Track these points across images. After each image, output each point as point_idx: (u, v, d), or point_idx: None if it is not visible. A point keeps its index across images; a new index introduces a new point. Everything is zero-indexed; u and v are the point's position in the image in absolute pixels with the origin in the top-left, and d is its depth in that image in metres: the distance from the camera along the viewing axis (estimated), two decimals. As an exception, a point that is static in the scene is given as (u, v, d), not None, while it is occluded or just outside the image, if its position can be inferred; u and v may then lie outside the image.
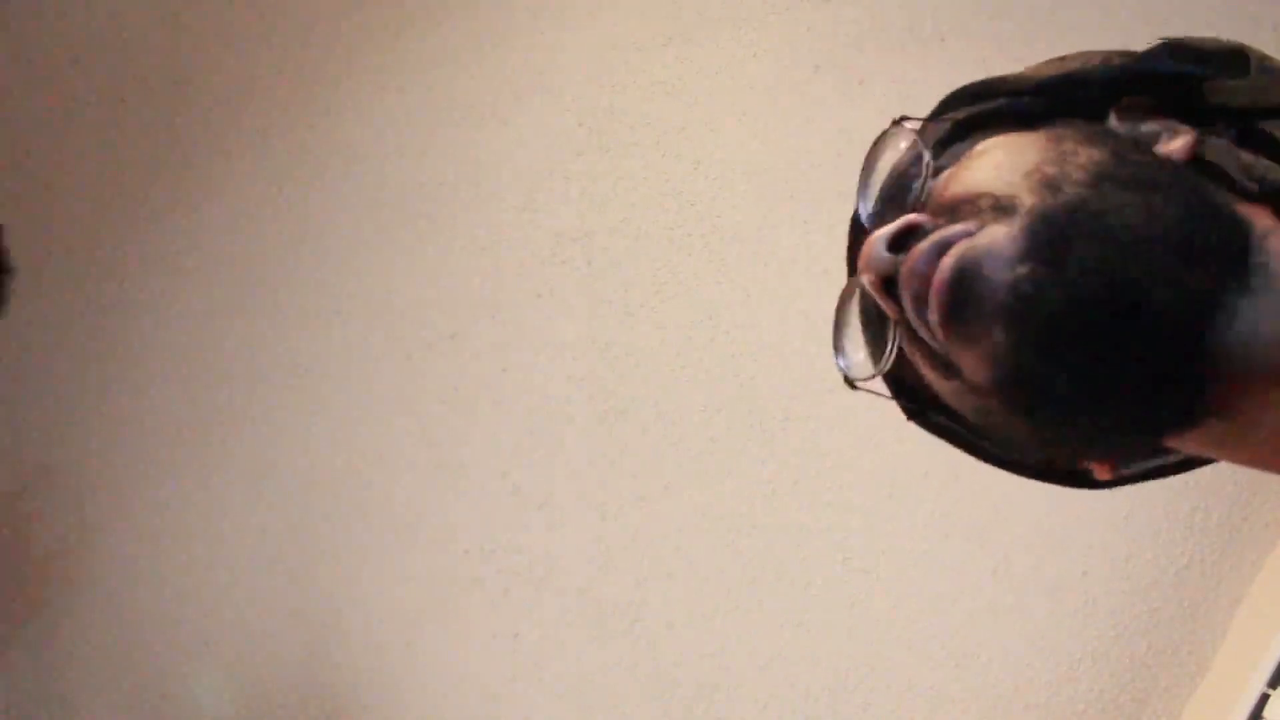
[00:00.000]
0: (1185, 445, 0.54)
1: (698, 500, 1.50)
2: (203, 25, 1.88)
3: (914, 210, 0.61)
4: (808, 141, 1.59)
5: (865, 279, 0.60)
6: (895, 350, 0.62)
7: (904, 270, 0.57)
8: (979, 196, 0.56)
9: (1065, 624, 1.39)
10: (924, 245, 0.56)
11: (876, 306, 0.62)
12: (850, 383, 0.67)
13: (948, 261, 0.53)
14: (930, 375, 0.61)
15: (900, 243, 0.58)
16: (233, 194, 1.81)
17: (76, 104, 1.89)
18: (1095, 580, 1.41)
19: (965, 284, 0.53)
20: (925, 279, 0.55)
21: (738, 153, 1.63)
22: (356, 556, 1.60)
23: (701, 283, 1.60)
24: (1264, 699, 1.26)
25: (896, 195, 0.66)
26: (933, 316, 0.54)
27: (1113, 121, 0.60)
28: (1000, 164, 0.57)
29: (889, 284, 0.58)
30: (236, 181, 1.81)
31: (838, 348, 0.67)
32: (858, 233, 0.70)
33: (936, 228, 0.57)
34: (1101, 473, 0.64)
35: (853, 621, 1.42)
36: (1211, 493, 1.42)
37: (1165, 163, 0.55)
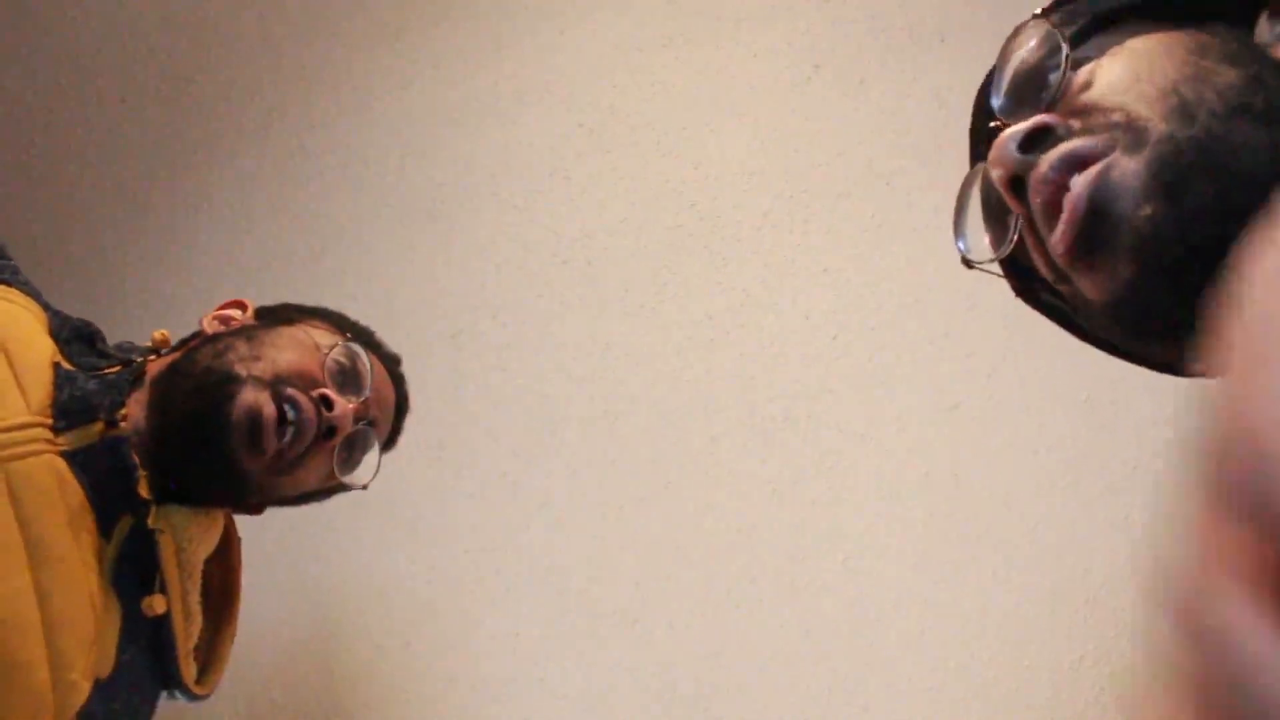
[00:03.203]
0: None
1: (698, 500, 1.50)
2: (203, 25, 1.88)
3: (1047, 106, 0.61)
4: (808, 141, 1.59)
5: (994, 174, 0.61)
6: (1015, 240, 0.64)
7: (1034, 176, 0.58)
8: (1113, 110, 0.56)
9: (1066, 624, 1.39)
10: (1054, 156, 0.57)
11: (999, 195, 0.64)
12: (968, 263, 0.70)
13: (1079, 194, 0.55)
14: (1043, 268, 0.63)
15: (1031, 142, 0.59)
16: (233, 194, 1.81)
17: (77, 104, 1.89)
18: (1095, 580, 1.40)
19: (1092, 220, 0.54)
20: (1054, 187, 0.57)
21: (738, 153, 1.63)
22: (356, 556, 1.60)
23: (701, 283, 1.60)
24: (1264, 699, 1.26)
25: (1030, 87, 0.65)
26: (1058, 245, 0.56)
27: (1262, 24, 0.59)
28: (1139, 74, 0.57)
29: (1016, 181, 0.60)
30: (236, 181, 1.81)
31: (958, 230, 0.70)
32: (983, 116, 0.71)
33: (1070, 133, 0.58)
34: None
35: (852, 621, 1.42)
36: (1211, 493, 1.42)
37: None
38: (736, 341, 1.56)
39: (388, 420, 1.18)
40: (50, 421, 0.94)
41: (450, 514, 1.59)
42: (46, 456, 0.92)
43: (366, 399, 1.08)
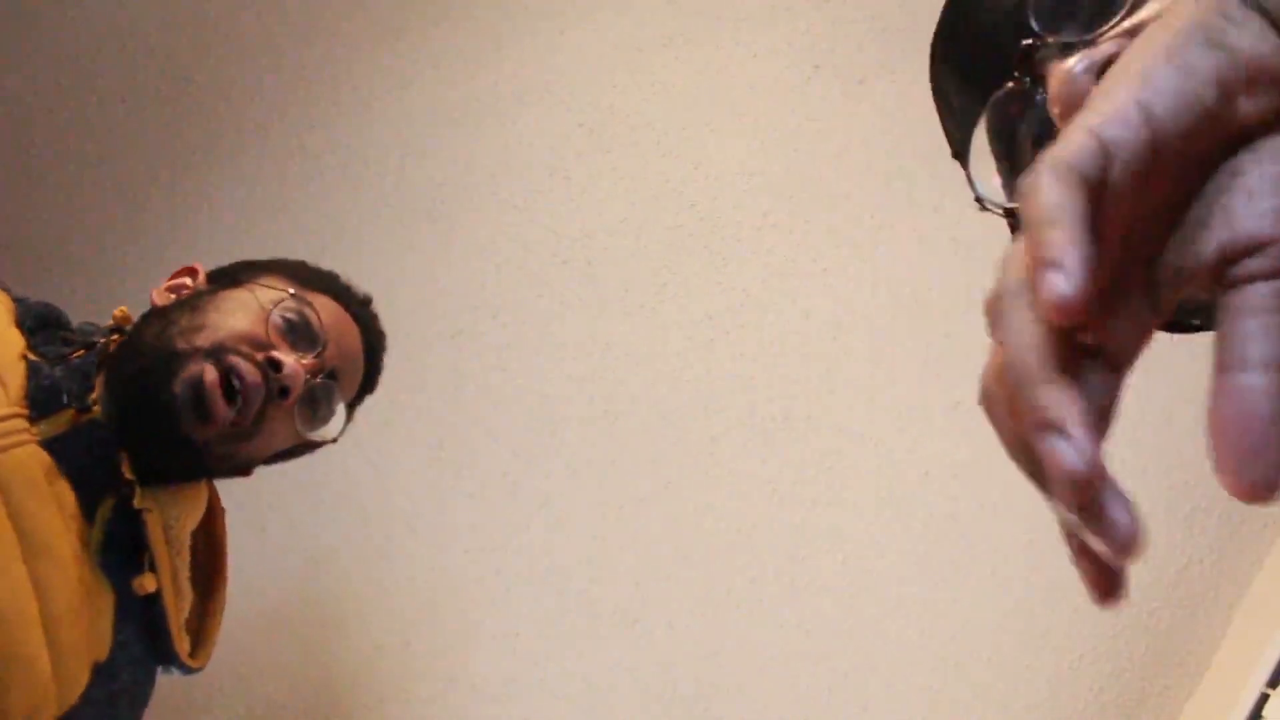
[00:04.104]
0: None
1: (698, 500, 1.50)
2: (203, 25, 1.88)
3: (1106, 20, 0.54)
4: (808, 141, 1.59)
5: (1055, 110, 0.53)
6: None
7: None
8: None
9: (1065, 624, 1.39)
10: None
11: (1010, 134, 0.59)
12: (981, 203, 0.63)
13: None
14: None
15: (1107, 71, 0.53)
16: (233, 194, 1.81)
17: (77, 104, 1.89)
18: (1095, 580, 1.41)
19: None
20: None
21: (738, 153, 1.63)
22: (356, 556, 1.60)
23: (701, 283, 1.60)
24: (1264, 699, 1.26)
25: (1086, 4, 0.57)
26: None
27: None
28: None
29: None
30: (237, 181, 1.81)
31: (967, 163, 0.63)
32: (1004, 26, 0.62)
33: None
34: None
35: (852, 621, 1.42)
36: (1211, 492, 1.42)
37: None
38: (736, 341, 1.56)
39: (354, 367, 1.13)
40: (26, 412, 0.94)
41: (450, 514, 1.59)
42: (30, 447, 0.92)
43: (322, 352, 1.05)
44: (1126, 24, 0.53)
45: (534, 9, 1.76)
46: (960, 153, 0.71)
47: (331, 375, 1.07)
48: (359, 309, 1.16)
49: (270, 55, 1.84)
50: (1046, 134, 0.58)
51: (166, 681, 1.58)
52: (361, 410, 1.65)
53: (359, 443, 1.65)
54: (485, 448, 1.60)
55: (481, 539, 1.56)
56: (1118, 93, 0.33)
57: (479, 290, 1.67)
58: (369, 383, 1.19)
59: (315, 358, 1.04)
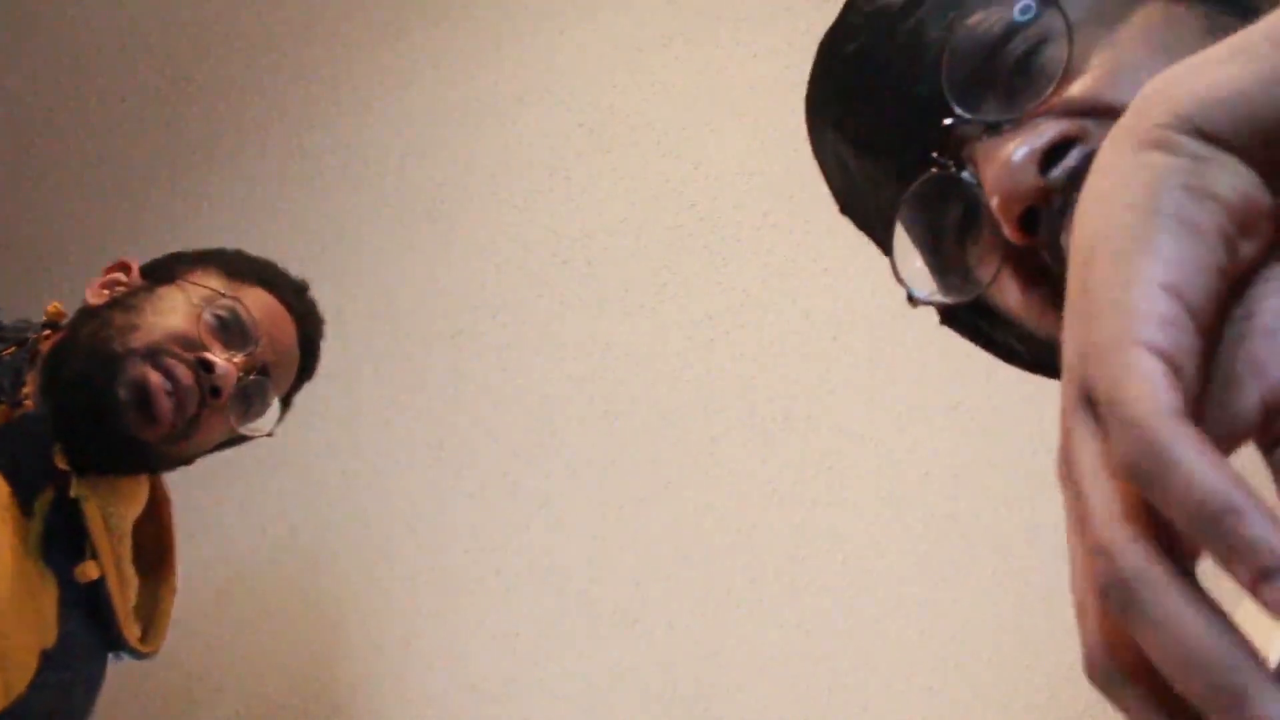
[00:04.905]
0: None
1: (698, 500, 1.50)
2: (203, 25, 1.88)
3: (1036, 96, 0.48)
4: (808, 142, 1.59)
5: (995, 201, 0.48)
6: (995, 278, 0.52)
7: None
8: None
9: (1065, 624, 1.39)
10: None
11: (933, 221, 0.53)
12: (913, 301, 0.58)
13: None
14: (1029, 306, 0.52)
15: (1051, 159, 0.47)
16: (233, 194, 1.81)
17: (77, 104, 1.89)
18: (1095, 580, 1.41)
19: None
20: None
21: (738, 153, 1.63)
22: (356, 556, 1.60)
23: (701, 283, 1.60)
24: (1264, 699, 1.26)
25: (1001, 71, 0.51)
26: None
27: None
28: (1156, 57, 0.46)
29: (1029, 212, 0.48)
30: (237, 181, 1.81)
31: (895, 260, 0.58)
32: (905, 102, 0.56)
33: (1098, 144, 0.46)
34: None
35: (852, 621, 1.42)
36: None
37: None
38: (736, 341, 1.56)
39: (287, 359, 1.15)
40: None
41: (450, 514, 1.59)
42: None
43: (254, 349, 1.07)
44: (1061, 100, 0.49)
45: (534, 9, 1.76)
46: (851, 213, 0.67)
47: (264, 371, 1.09)
48: (294, 299, 1.17)
49: (270, 55, 1.84)
50: (973, 222, 0.54)
51: (167, 682, 1.58)
52: (362, 410, 1.66)
53: (359, 443, 1.65)
54: (485, 448, 1.60)
55: (481, 539, 1.56)
56: (1136, 275, 0.29)
57: (479, 290, 1.67)
58: (305, 371, 1.21)
59: (247, 355, 1.06)
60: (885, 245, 0.59)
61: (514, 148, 1.71)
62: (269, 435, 1.13)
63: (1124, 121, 0.33)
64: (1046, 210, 0.47)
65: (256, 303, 1.09)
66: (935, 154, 0.53)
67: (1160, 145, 0.30)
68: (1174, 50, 0.43)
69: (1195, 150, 0.30)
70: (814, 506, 1.47)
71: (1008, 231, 0.49)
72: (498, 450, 1.59)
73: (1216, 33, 0.42)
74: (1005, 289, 0.53)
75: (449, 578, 1.56)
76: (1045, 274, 0.50)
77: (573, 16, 1.74)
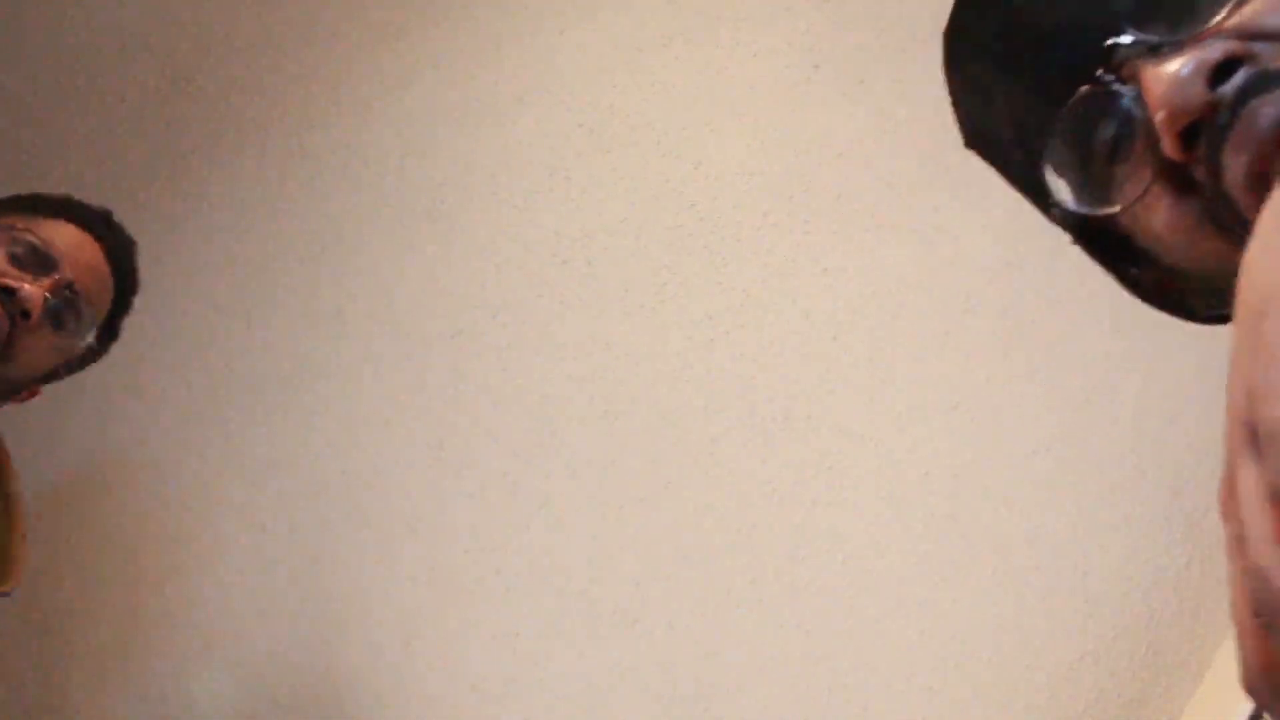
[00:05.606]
0: None
1: (698, 500, 1.50)
2: (202, 25, 1.88)
3: (1206, 19, 0.50)
4: (808, 141, 1.59)
5: (1160, 115, 0.49)
6: (1142, 195, 0.53)
7: (1241, 129, 0.47)
8: None
9: (1065, 624, 1.39)
10: None
11: (1085, 137, 0.55)
12: (1060, 212, 0.59)
13: None
14: (1176, 224, 0.53)
15: (1219, 75, 0.48)
16: (233, 194, 1.81)
17: (77, 104, 1.89)
18: (1095, 580, 1.40)
19: None
20: (1270, 143, 0.46)
21: (738, 153, 1.63)
22: (356, 556, 1.60)
23: (701, 283, 1.60)
24: (1264, 699, 1.26)
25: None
26: None
27: None
28: None
29: (1188, 128, 0.48)
30: (236, 181, 1.81)
31: (1047, 177, 0.58)
32: (1054, 42, 0.57)
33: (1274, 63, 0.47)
34: None
35: (852, 621, 1.42)
36: (1211, 492, 1.42)
37: None
38: (736, 341, 1.56)
39: (97, 278, 1.22)
40: None
41: (450, 514, 1.59)
42: None
43: (57, 271, 1.14)
44: (1230, 23, 0.50)
45: (534, 9, 1.76)
46: (982, 143, 0.67)
47: (70, 289, 1.16)
48: (95, 224, 1.25)
49: (270, 55, 1.84)
50: (1124, 141, 0.55)
51: (163, 682, 1.58)
52: (361, 410, 1.66)
53: (359, 443, 1.65)
54: (485, 448, 1.60)
55: (481, 539, 1.56)
56: None
57: (479, 290, 1.67)
58: (125, 291, 1.27)
59: (52, 280, 1.14)
60: (1020, 170, 0.61)
61: (514, 148, 1.71)
62: (93, 352, 1.22)
63: None
64: (1208, 127, 0.48)
65: (55, 232, 1.17)
66: (1100, 72, 0.54)
67: None
68: None
69: None
70: (814, 506, 1.47)
71: (1167, 146, 0.49)
72: (498, 450, 1.59)
73: None
74: (1153, 207, 0.54)
75: (449, 578, 1.56)
76: (1195, 191, 0.51)
77: (573, 16, 1.74)
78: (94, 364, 1.27)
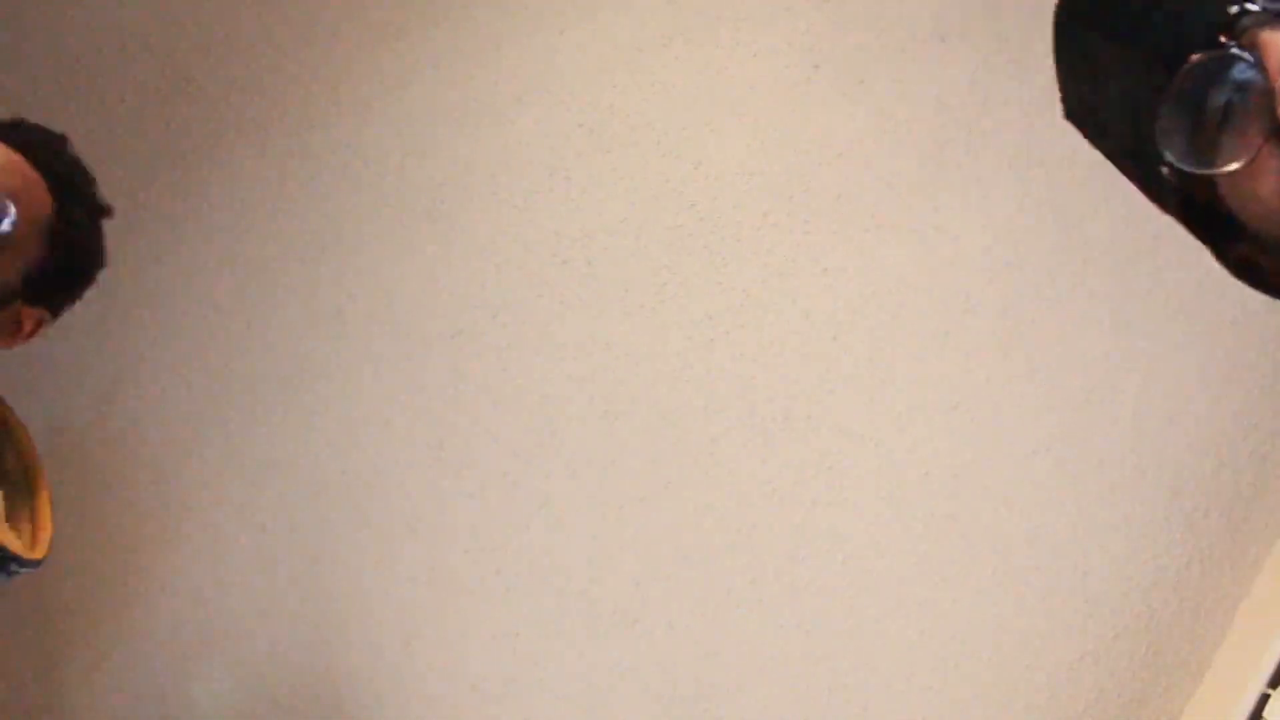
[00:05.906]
0: None
1: (698, 500, 1.50)
2: (203, 25, 1.88)
3: None
4: (808, 141, 1.59)
5: None
6: (1253, 158, 0.55)
7: None
8: None
9: (1065, 624, 1.39)
10: None
11: (1199, 100, 0.57)
12: (1171, 169, 0.60)
13: None
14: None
15: None
16: (233, 194, 1.81)
17: (77, 104, 1.89)
18: (1095, 580, 1.40)
19: None
20: None
21: (738, 153, 1.63)
22: (357, 556, 1.60)
23: (701, 283, 1.60)
24: (1264, 699, 1.26)
25: None
26: None
27: None
28: None
29: None
30: (236, 181, 1.81)
31: (1160, 137, 0.59)
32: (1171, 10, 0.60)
33: None
34: None
35: (852, 621, 1.42)
36: (1211, 492, 1.42)
37: None
38: (736, 341, 1.56)
39: (26, 179, 1.23)
40: None
41: (450, 514, 1.59)
42: None
43: None
44: None
45: (534, 9, 1.76)
46: (1083, 112, 0.68)
47: (8, 195, 1.16)
48: (11, 134, 1.25)
49: (270, 55, 1.84)
50: (1241, 104, 0.57)
51: (163, 682, 1.58)
52: (361, 410, 1.66)
53: (359, 443, 1.65)
54: (485, 448, 1.60)
55: (481, 539, 1.56)
56: None
57: (479, 290, 1.67)
58: (64, 177, 1.28)
59: None
60: (1121, 141, 0.62)
61: (514, 148, 1.71)
62: (11, 234, 1.19)
63: None
64: None
65: None
66: (1222, 37, 0.56)
67: None
68: None
69: None
70: (814, 506, 1.47)
71: None
72: (498, 450, 1.59)
73: None
74: (1261, 172, 0.55)
75: (449, 578, 1.56)
76: None
77: (573, 16, 1.74)
78: (99, 263, 1.26)
